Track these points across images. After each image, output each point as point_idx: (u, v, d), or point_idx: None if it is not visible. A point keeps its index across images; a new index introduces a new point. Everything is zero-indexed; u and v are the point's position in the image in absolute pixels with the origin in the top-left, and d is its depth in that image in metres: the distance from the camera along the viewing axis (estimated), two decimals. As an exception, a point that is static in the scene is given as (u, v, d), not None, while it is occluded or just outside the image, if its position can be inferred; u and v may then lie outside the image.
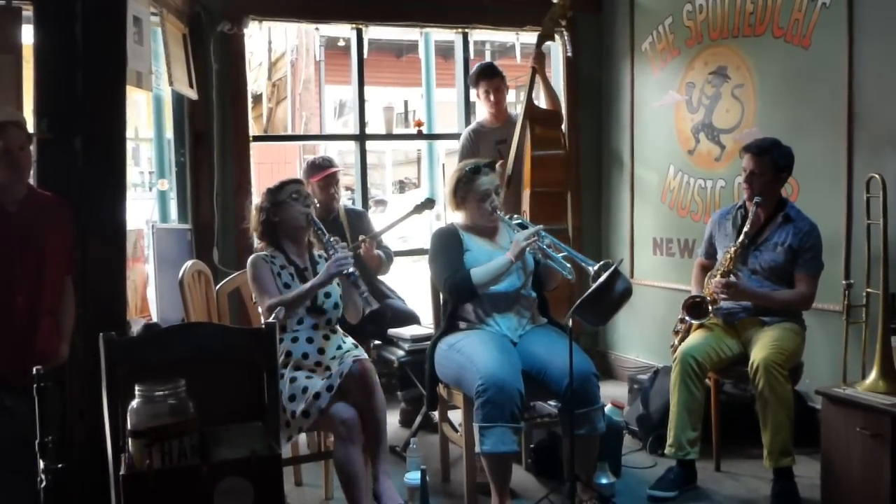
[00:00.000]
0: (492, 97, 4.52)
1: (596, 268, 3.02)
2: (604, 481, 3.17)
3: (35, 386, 2.11)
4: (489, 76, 4.52)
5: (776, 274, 3.40)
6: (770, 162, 3.40)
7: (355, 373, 2.92)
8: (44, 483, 2.12)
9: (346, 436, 2.85)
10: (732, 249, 3.39)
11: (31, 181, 2.79)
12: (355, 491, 2.87)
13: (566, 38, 5.07)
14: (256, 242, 3.32)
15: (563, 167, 4.51)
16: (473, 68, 4.69)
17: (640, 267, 4.99)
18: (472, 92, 4.74)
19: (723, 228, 3.60)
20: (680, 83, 4.68)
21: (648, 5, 4.91)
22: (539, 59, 4.48)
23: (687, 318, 3.49)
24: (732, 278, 3.36)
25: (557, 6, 4.43)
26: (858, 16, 3.68)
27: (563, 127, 4.68)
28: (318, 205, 3.35)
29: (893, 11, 3.54)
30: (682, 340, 3.52)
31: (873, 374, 2.96)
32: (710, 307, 3.42)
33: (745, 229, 3.37)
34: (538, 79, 4.50)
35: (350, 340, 3.20)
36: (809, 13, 3.89)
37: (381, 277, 4.28)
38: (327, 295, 3.16)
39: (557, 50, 5.30)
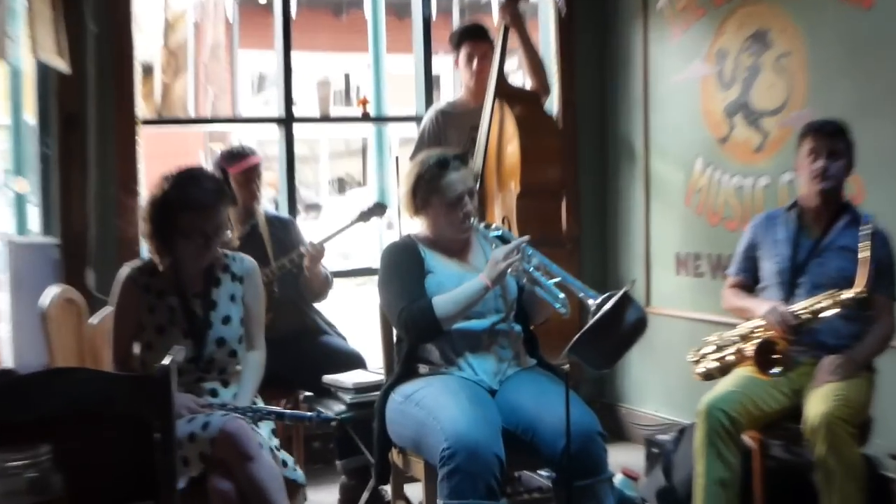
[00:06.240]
0: (475, 65, 4.53)
1: (598, 300, 3.01)
2: (613, 576, 3.17)
3: None
4: (476, 37, 4.56)
5: (838, 285, 3.40)
6: (844, 146, 3.46)
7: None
8: None
9: None
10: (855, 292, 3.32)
11: None
12: None
13: (558, -9, 5.13)
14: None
15: (560, 161, 4.56)
16: (456, 27, 4.72)
17: (659, 291, 5.05)
18: (451, 57, 4.70)
19: (771, 234, 3.64)
20: (708, 51, 4.74)
21: (666, -51, 5.00)
22: (514, 14, 4.45)
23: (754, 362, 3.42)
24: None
25: None
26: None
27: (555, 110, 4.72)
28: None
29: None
30: (708, 375, 3.54)
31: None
32: (782, 362, 3.35)
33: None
34: (517, 43, 4.52)
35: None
36: (874, -39, 3.98)
37: (315, 306, 4.30)
38: (220, 343, 3.14)
39: (547, 7, 5.34)
